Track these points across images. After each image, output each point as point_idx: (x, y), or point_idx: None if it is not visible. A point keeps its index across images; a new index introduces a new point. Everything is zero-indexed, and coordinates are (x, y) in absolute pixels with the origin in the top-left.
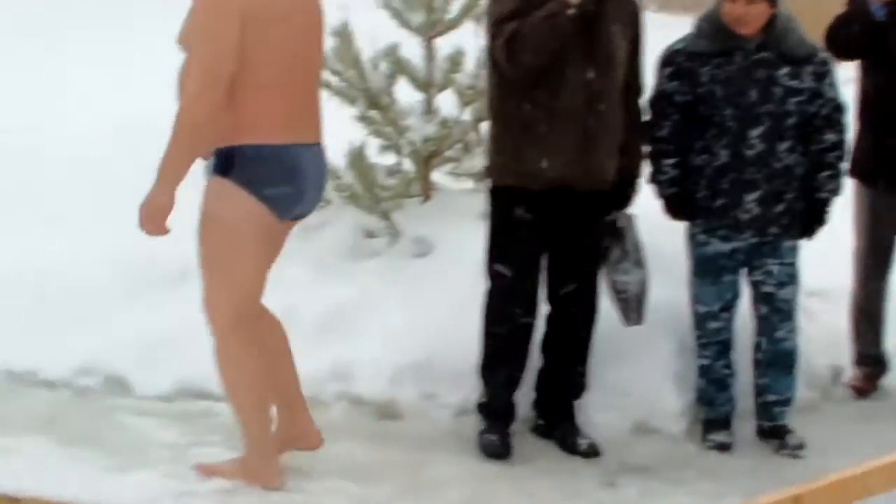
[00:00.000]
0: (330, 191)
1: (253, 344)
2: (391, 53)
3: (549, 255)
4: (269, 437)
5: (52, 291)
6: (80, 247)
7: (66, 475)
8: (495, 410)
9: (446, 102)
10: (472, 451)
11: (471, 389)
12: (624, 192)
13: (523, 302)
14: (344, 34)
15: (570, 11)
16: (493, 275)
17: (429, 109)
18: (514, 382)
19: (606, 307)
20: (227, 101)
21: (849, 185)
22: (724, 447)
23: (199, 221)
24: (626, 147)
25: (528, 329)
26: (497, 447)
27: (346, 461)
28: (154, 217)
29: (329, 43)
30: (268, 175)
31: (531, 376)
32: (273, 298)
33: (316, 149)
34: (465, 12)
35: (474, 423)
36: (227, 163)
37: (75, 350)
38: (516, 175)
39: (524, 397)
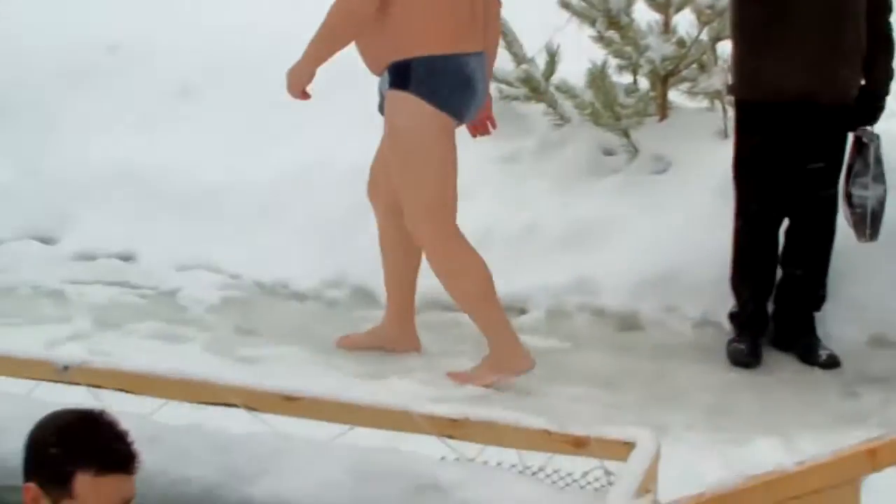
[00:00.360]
0: (570, 109)
1: (462, 242)
2: None
3: (792, 168)
4: (508, 326)
5: (301, 208)
6: (327, 163)
7: (323, 381)
8: (746, 320)
9: (684, 22)
10: (712, 361)
11: (711, 301)
12: (869, 107)
13: (768, 214)
14: None
15: None
16: (740, 188)
17: (666, 29)
18: (763, 293)
19: (843, 222)
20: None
21: None
22: None
23: (388, 135)
24: (873, 63)
25: (773, 241)
26: (746, 356)
27: (592, 370)
28: (294, 84)
29: None
30: (443, 84)
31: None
32: (517, 215)
33: (481, 56)
34: None
35: (714, 334)
36: (404, 76)
37: (324, 264)
38: (760, 90)
39: None
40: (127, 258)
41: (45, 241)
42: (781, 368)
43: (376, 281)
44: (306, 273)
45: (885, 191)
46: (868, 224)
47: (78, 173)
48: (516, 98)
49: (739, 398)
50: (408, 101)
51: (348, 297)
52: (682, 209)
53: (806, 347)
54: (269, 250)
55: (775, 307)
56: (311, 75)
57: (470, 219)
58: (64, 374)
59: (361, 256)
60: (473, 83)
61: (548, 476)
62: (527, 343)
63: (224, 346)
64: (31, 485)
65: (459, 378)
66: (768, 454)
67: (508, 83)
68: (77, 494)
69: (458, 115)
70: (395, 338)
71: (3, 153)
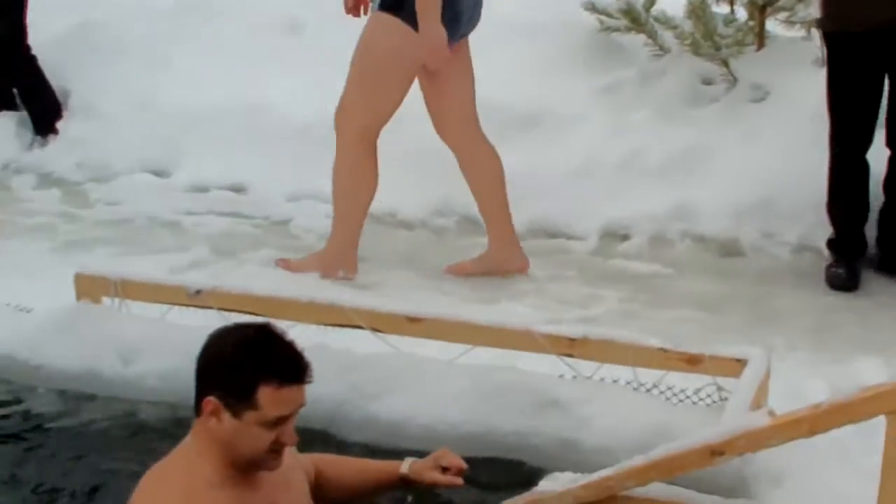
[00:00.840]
0: (669, 40)
1: (371, 159)
2: None
3: (888, 97)
4: (351, 240)
5: (407, 140)
6: None
7: (435, 305)
8: (843, 245)
9: None
10: (812, 285)
11: (808, 227)
12: None
13: (863, 142)
14: None
15: None
16: (834, 117)
17: None
18: (858, 218)
19: None
20: None
21: None
22: None
23: (359, 45)
24: None
25: (866, 168)
26: (845, 280)
27: (694, 294)
28: (440, 47)
29: None
30: None
31: (874, 215)
32: (618, 144)
33: None
34: None
35: (813, 259)
36: (398, 2)
37: (430, 193)
38: (847, 21)
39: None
40: (238, 190)
41: (159, 174)
42: (881, 293)
43: None
44: (413, 202)
45: None
46: None
47: (189, 108)
48: (617, 29)
49: (839, 320)
50: (393, 23)
51: (455, 225)
52: (780, 137)
53: None
54: None
55: (879, 232)
56: (443, 31)
57: (573, 148)
58: (196, 298)
59: (466, 186)
60: (459, 17)
61: (661, 392)
62: (629, 268)
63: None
64: (212, 398)
65: (289, 266)
66: (869, 374)
67: (609, 14)
68: (260, 405)
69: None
70: (502, 260)
71: (117, 89)
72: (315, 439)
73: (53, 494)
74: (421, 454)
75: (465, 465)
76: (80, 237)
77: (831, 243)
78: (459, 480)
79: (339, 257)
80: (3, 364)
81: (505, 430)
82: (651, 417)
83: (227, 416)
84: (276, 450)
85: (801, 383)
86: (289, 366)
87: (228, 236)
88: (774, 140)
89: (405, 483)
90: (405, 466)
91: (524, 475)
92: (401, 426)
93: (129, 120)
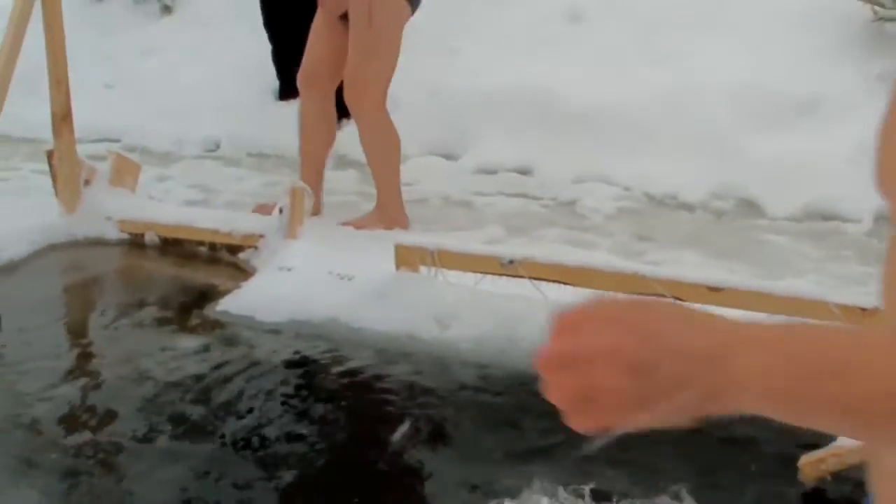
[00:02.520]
0: None
1: (390, 120)
2: None
3: None
4: (399, 197)
5: (684, 125)
6: (708, 82)
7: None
8: None
9: None
10: None
11: None
12: None
13: None
14: None
15: None
16: None
17: None
18: None
19: None
20: None
21: None
22: None
23: (360, 19)
24: None
25: None
26: None
27: None
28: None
29: None
30: None
31: None
32: None
33: None
34: None
35: None
36: None
37: (710, 176)
38: None
39: None
40: (525, 172)
41: (448, 156)
42: None
43: (759, 191)
44: (693, 185)
45: None
46: None
47: (477, 94)
48: (892, 20)
49: None
50: None
51: (734, 208)
52: None
53: None
54: (656, 164)
55: None
56: None
57: (847, 134)
58: (509, 267)
59: (744, 169)
60: None
61: None
62: None
63: (628, 250)
64: None
65: (355, 225)
66: None
67: (881, 4)
68: None
69: (414, 7)
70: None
71: (411, 77)
72: None
73: (371, 440)
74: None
75: None
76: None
77: None
78: None
79: (395, 216)
80: (328, 326)
81: None
82: None
83: None
84: None
85: None
86: None
87: (519, 215)
88: None
89: None
90: None
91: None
92: None
93: (420, 106)
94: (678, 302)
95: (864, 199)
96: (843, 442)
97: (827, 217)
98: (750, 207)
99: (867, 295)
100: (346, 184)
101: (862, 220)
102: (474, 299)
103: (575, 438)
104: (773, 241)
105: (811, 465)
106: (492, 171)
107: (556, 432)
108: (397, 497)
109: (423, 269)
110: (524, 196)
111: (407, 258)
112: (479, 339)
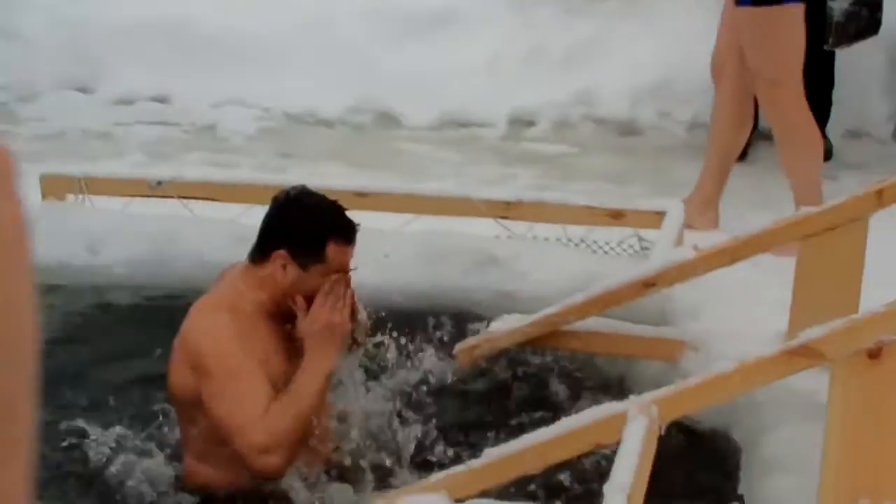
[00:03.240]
0: None
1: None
2: None
3: None
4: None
5: (320, 46)
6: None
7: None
8: None
9: None
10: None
11: (701, 106)
12: None
13: None
14: None
15: None
16: None
17: None
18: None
19: None
20: None
21: None
22: None
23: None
24: None
25: None
26: None
27: (600, 169)
28: None
29: None
30: None
31: None
32: (523, 38)
33: None
34: None
35: (704, 135)
36: None
37: (346, 92)
38: None
39: None
40: (162, 100)
41: (83, 90)
42: (767, 158)
43: (396, 103)
44: (331, 101)
45: (850, 5)
46: (830, 32)
47: (107, 23)
48: None
49: (733, 185)
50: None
51: (372, 121)
52: (674, 24)
53: None
54: (293, 84)
55: None
56: None
57: (479, 47)
58: (157, 188)
59: (380, 83)
60: None
61: (588, 246)
62: (538, 150)
63: (271, 168)
64: (282, 252)
65: None
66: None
67: None
68: (327, 259)
69: None
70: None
71: (35, 7)
72: None
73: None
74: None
75: None
76: (16, 151)
77: None
78: None
79: None
80: None
81: (450, 287)
82: (580, 268)
83: (293, 268)
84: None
85: (708, 238)
86: (349, 225)
87: (161, 142)
88: (669, 27)
89: None
90: None
91: (470, 325)
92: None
93: (48, 38)
94: None
95: (497, 105)
96: (495, 327)
97: (463, 124)
98: (388, 119)
99: (507, 192)
100: None
101: (496, 125)
102: (124, 223)
103: None
104: (413, 149)
105: (466, 352)
106: (129, 102)
107: None
108: None
109: (70, 197)
110: (164, 123)
111: (53, 187)
112: (132, 261)
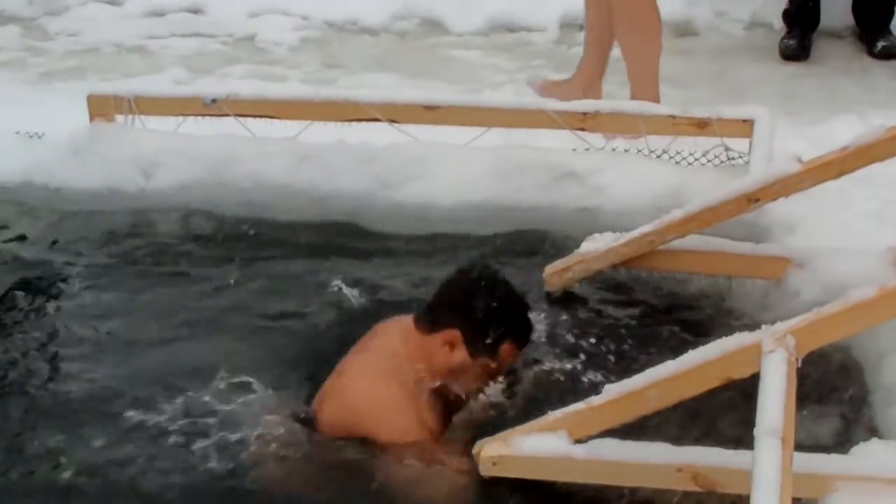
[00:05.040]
0: None
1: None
2: None
3: None
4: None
5: None
6: None
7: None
8: (799, 15)
9: None
10: (767, 58)
11: (759, 4)
12: None
13: None
14: None
15: None
16: None
17: None
18: None
19: None
20: None
21: None
22: None
23: None
24: None
25: None
26: (796, 50)
27: (662, 72)
28: None
29: None
30: None
31: None
32: None
33: None
34: None
35: (765, 34)
36: None
37: None
38: None
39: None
40: (196, 11)
41: (112, 2)
42: (833, 57)
43: (441, 9)
44: (373, 8)
45: None
46: None
47: None
48: None
49: (802, 86)
50: None
51: (417, 28)
52: None
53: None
54: None
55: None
56: None
57: None
58: (212, 106)
59: None
60: None
61: (671, 157)
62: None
63: (319, 78)
64: (457, 332)
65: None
66: (846, 129)
67: None
68: (498, 356)
69: None
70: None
71: None
72: (343, 231)
73: (90, 306)
74: (448, 236)
75: None
76: (52, 68)
77: (787, 14)
78: None
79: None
80: (22, 190)
81: (527, 204)
82: (664, 181)
83: (462, 351)
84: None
85: (787, 144)
86: (528, 330)
87: (199, 55)
88: None
89: None
90: None
91: (551, 244)
92: (426, 211)
93: None
94: None
95: (547, 7)
96: (586, 247)
97: (512, 29)
98: (433, 26)
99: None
100: (9, 40)
101: (547, 29)
102: (178, 144)
103: None
104: (463, 56)
105: (556, 274)
106: (161, 14)
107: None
108: None
109: (119, 118)
110: (200, 35)
111: (101, 108)
112: (186, 185)
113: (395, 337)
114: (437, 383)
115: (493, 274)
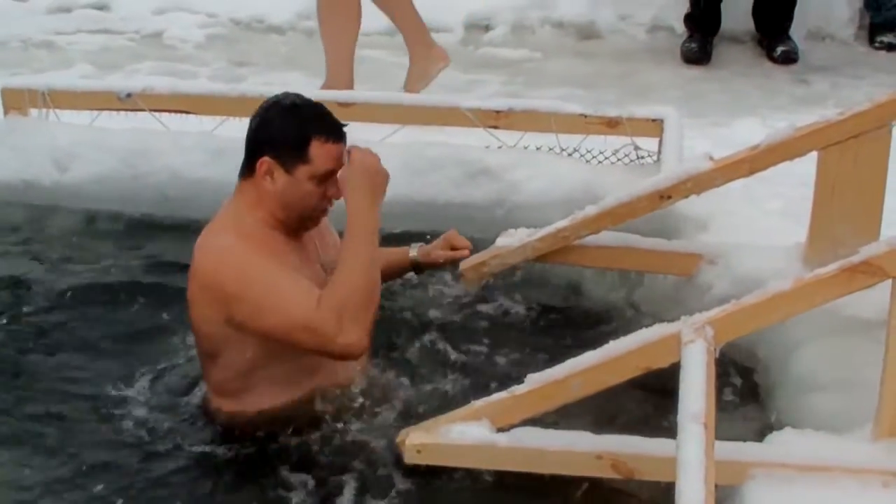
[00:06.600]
0: None
1: None
2: None
3: None
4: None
5: None
6: None
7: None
8: (701, 19)
9: None
10: (669, 61)
11: (661, 8)
12: None
13: None
14: None
15: None
16: None
17: None
18: None
19: None
20: None
21: None
22: (891, 47)
23: None
24: None
25: None
26: (697, 53)
27: (565, 74)
28: None
29: None
30: None
31: None
32: None
33: None
34: None
35: (667, 37)
36: None
37: None
38: None
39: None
40: (101, 7)
41: None
42: (734, 62)
43: None
44: (279, 7)
45: None
46: None
47: None
48: None
49: (704, 90)
50: None
51: None
52: None
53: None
54: None
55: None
56: None
57: None
58: (127, 101)
59: None
60: None
61: (582, 156)
62: (499, 55)
63: (228, 76)
64: (266, 158)
65: None
66: (748, 132)
67: None
68: (311, 159)
69: None
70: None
71: None
72: None
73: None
74: None
75: (470, 245)
76: None
77: (688, 18)
78: (466, 252)
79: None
80: None
81: (442, 200)
82: (577, 178)
83: (280, 173)
84: (322, 207)
85: (692, 144)
86: (333, 124)
87: (106, 51)
88: None
89: (415, 266)
90: (413, 251)
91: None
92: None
93: None
94: None
95: (452, 9)
96: (501, 242)
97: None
98: None
99: (480, 99)
100: None
101: (453, 30)
102: (93, 138)
103: None
104: (371, 56)
105: (472, 269)
106: (66, 10)
107: None
108: None
109: (33, 111)
110: (107, 32)
111: (15, 101)
112: (103, 178)
113: (226, 202)
114: (282, 218)
115: (276, 97)
